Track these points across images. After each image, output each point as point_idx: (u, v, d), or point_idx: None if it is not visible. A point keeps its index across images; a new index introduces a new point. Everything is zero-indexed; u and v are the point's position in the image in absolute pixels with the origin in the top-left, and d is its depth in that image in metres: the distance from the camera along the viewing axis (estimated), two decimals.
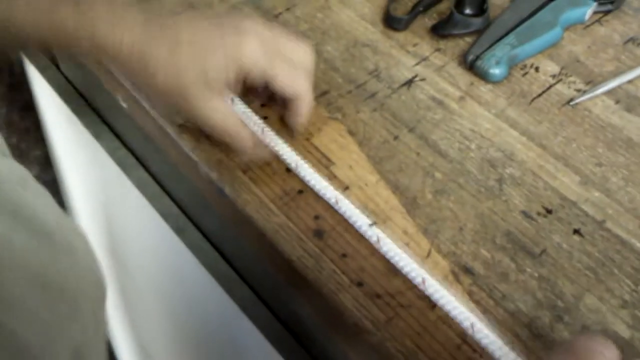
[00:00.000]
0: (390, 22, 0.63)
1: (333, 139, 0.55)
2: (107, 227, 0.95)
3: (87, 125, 0.77)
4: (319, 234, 0.49)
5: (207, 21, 0.49)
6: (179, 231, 0.68)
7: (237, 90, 0.51)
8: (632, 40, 0.63)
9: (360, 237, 0.49)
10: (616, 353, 0.33)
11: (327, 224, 0.50)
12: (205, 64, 0.47)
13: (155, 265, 0.82)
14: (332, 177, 0.52)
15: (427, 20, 0.65)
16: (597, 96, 0.58)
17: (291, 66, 0.50)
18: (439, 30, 0.62)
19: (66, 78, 0.81)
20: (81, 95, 0.79)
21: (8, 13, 0.45)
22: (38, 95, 0.90)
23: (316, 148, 0.54)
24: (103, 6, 0.46)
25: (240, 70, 0.48)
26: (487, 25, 0.62)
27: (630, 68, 0.60)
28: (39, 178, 1.14)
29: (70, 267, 0.34)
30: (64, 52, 0.48)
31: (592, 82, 0.59)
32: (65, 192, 1.07)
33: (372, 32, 0.64)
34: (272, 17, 0.65)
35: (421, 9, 0.64)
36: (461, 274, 0.47)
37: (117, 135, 0.75)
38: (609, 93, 0.58)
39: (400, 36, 0.63)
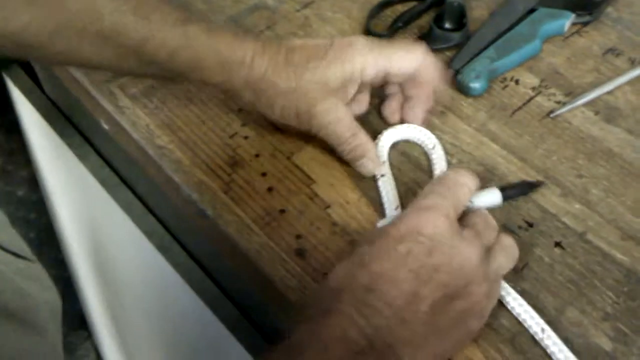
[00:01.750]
0: None
1: (314, 157, 0.55)
2: (94, 246, 0.95)
3: (72, 146, 0.77)
4: (301, 253, 0.49)
5: (318, 42, 0.51)
6: (163, 250, 0.68)
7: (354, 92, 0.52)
8: (611, 50, 0.63)
9: (343, 257, 0.49)
10: (477, 184, 0.46)
11: (309, 243, 0.50)
12: (325, 75, 0.50)
13: (142, 284, 0.81)
14: (313, 196, 0.52)
15: (407, 36, 0.65)
16: (576, 107, 0.58)
17: (400, 45, 0.51)
18: None
19: (50, 100, 0.81)
20: (65, 117, 0.79)
21: (147, 31, 0.47)
22: (22, 117, 0.90)
23: (297, 167, 0.54)
24: (229, 29, 0.51)
25: (355, 66, 0.50)
26: (466, 39, 0.62)
27: (610, 79, 0.60)
28: (26, 198, 1.14)
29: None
30: (188, 68, 0.50)
31: (571, 93, 0.59)
32: (52, 212, 1.07)
33: None
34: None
35: (400, 24, 0.64)
36: None
37: (102, 156, 0.75)
38: (588, 104, 0.59)
39: None
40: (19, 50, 0.49)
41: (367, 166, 0.52)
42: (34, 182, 1.10)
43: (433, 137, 0.55)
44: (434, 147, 0.54)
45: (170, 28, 0.48)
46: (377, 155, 0.53)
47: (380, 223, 0.47)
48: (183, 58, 0.49)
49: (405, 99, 0.55)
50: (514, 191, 0.50)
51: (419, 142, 0.55)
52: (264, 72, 0.50)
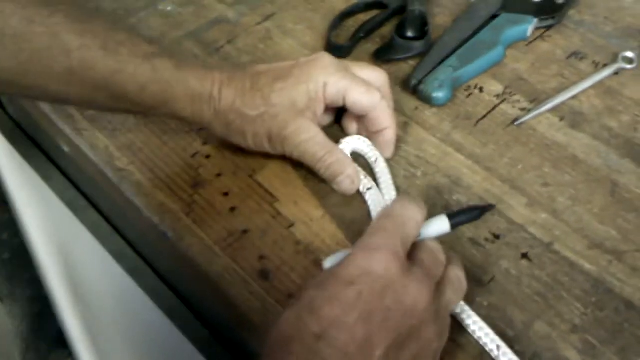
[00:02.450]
0: (332, 50, 0.63)
1: (277, 174, 0.54)
2: (67, 266, 0.94)
3: (36, 167, 0.76)
4: (264, 275, 0.48)
5: (283, 64, 0.52)
6: (131, 272, 0.67)
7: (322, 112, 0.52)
8: (574, 54, 0.63)
9: (307, 276, 0.48)
10: (424, 213, 0.43)
11: (273, 264, 0.49)
12: (291, 96, 0.50)
13: (113, 304, 0.80)
14: (276, 215, 0.52)
15: (370, 46, 0.64)
16: (541, 114, 0.58)
17: (363, 80, 0.51)
18: (381, 56, 0.62)
19: (14, 121, 0.79)
20: (29, 137, 0.78)
21: (116, 65, 0.47)
22: None
23: (260, 185, 0.53)
24: (197, 62, 0.51)
25: (318, 85, 0.50)
26: (429, 47, 0.61)
27: (574, 83, 0.60)
28: None
29: None
30: (157, 102, 0.50)
31: (536, 99, 0.59)
32: (23, 232, 1.05)
33: None
34: (213, 50, 0.64)
35: (362, 35, 0.63)
36: None
37: (67, 177, 0.74)
38: (553, 110, 0.58)
39: None
40: None
41: (345, 183, 0.51)
42: (4, 201, 1.08)
43: (374, 149, 0.54)
44: (376, 161, 0.53)
45: (139, 62, 0.48)
46: (356, 171, 0.52)
47: (328, 262, 0.45)
48: (153, 92, 0.49)
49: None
50: (463, 217, 0.47)
51: (363, 154, 0.55)
52: (232, 102, 0.50)
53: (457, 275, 0.43)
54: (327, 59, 0.51)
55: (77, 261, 0.86)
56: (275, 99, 0.49)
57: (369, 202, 0.51)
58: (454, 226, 0.46)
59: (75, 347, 0.78)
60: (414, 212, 0.43)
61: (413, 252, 0.42)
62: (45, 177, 0.74)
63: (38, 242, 0.95)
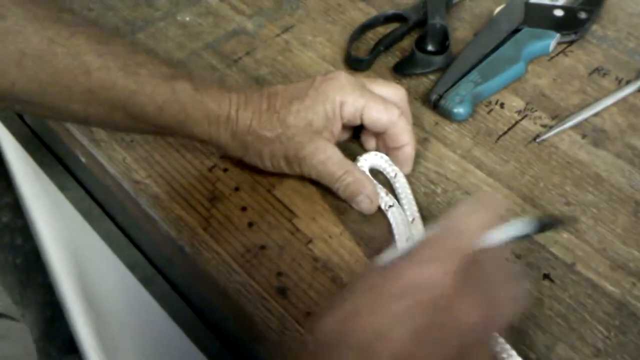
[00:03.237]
0: (352, 63, 0.62)
1: (296, 189, 0.53)
2: (80, 274, 0.94)
3: (52, 176, 0.76)
4: (282, 291, 0.48)
5: (299, 84, 0.51)
6: (146, 282, 0.66)
7: (340, 131, 0.52)
8: (597, 70, 0.62)
9: (325, 294, 0.47)
10: (494, 216, 0.39)
11: (291, 281, 0.48)
12: (308, 117, 0.49)
13: (126, 314, 0.80)
14: (294, 231, 0.51)
15: (390, 59, 0.64)
16: (563, 131, 0.57)
17: (381, 98, 0.51)
18: (401, 70, 0.61)
19: (30, 128, 0.79)
20: (46, 146, 0.78)
21: (135, 86, 0.47)
22: (3, 144, 0.88)
23: (278, 200, 0.53)
24: (215, 83, 0.51)
25: (335, 104, 0.49)
26: (449, 62, 0.61)
27: (596, 100, 0.59)
28: (12, 224, 1.12)
29: None
30: (176, 123, 0.50)
31: (558, 116, 0.58)
32: (37, 238, 1.05)
33: None
34: (231, 61, 0.64)
35: (382, 48, 0.63)
36: None
37: (83, 186, 0.74)
38: (575, 127, 0.57)
39: (363, 76, 0.62)
40: (8, 105, 0.49)
41: (365, 203, 0.51)
42: (18, 207, 1.08)
43: (393, 165, 0.53)
44: (395, 176, 0.53)
45: (158, 83, 0.48)
46: (376, 191, 0.51)
47: (382, 259, 0.43)
48: (171, 113, 0.49)
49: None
50: (545, 223, 0.41)
51: (382, 170, 0.54)
52: (249, 124, 0.50)
53: (516, 295, 0.40)
54: (343, 77, 0.51)
55: (90, 270, 0.86)
56: (292, 120, 0.49)
57: (391, 220, 0.51)
58: (534, 232, 0.40)
59: (86, 354, 0.78)
60: (474, 219, 0.40)
61: (473, 262, 0.40)
62: (61, 186, 0.74)
63: (51, 249, 0.95)
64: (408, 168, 0.53)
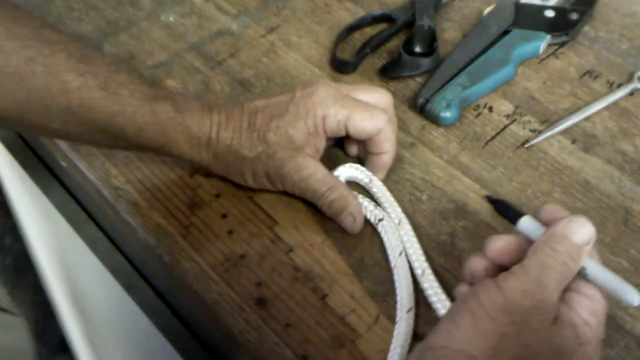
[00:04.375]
0: (338, 65, 0.61)
1: (277, 197, 0.52)
2: (67, 276, 0.93)
3: (36, 179, 0.74)
4: (261, 302, 0.47)
5: (280, 97, 0.50)
6: (129, 288, 0.65)
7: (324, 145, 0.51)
8: (588, 73, 0.61)
9: (305, 305, 0.46)
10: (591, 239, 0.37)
11: (271, 292, 0.47)
12: (288, 133, 0.48)
13: (111, 319, 0.79)
14: (275, 239, 0.50)
15: (377, 61, 0.62)
16: (552, 136, 0.56)
17: (365, 105, 0.49)
18: (388, 72, 0.60)
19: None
20: (31, 149, 0.77)
21: (115, 106, 0.46)
22: None
23: (259, 207, 0.52)
24: (196, 102, 0.50)
25: (317, 119, 0.48)
26: (437, 65, 0.59)
27: (587, 104, 0.58)
28: (1, 224, 1.11)
29: None
30: (156, 144, 0.49)
31: (547, 120, 0.57)
32: (25, 239, 1.04)
33: (320, 76, 0.61)
34: (215, 63, 0.62)
35: (368, 50, 0.61)
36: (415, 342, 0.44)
37: (67, 190, 0.73)
38: (565, 132, 0.56)
39: (349, 79, 0.61)
40: None
41: (348, 221, 0.49)
42: (6, 208, 1.07)
43: (365, 170, 0.52)
44: (370, 181, 0.52)
45: (139, 104, 0.47)
46: (360, 209, 0.50)
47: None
48: (151, 134, 0.48)
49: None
50: None
51: (357, 180, 0.53)
52: (230, 145, 0.49)
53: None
54: (323, 90, 0.49)
55: (77, 273, 0.85)
56: (272, 138, 0.48)
57: (382, 234, 0.49)
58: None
59: (77, 354, 0.77)
60: (578, 246, 0.37)
61: (573, 293, 0.37)
62: (45, 190, 0.73)
63: (39, 251, 0.94)
64: (382, 175, 0.53)
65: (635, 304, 0.37)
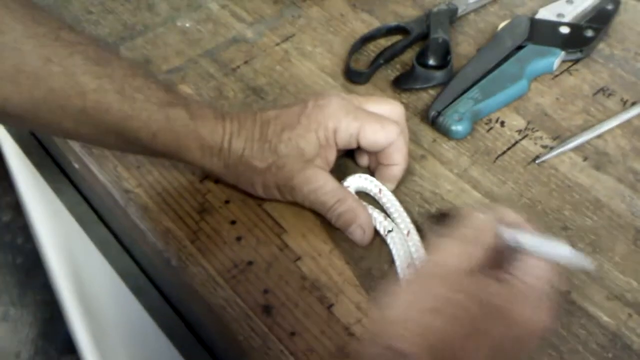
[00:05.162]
0: (351, 75, 0.61)
1: (287, 204, 0.52)
2: (76, 277, 0.93)
3: (49, 179, 0.75)
4: (267, 310, 0.47)
5: (292, 109, 0.50)
6: (136, 291, 0.66)
7: (334, 158, 0.51)
8: (602, 90, 0.60)
9: (311, 314, 0.46)
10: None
11: (277, 299, 0.47)
12: (299, 145, 0.48)
13: (119, 322, 0.79)
14: (283, 247, 0.50)
15: (390, 72, 0.63)
16: (564, 153, 0.55)
17: (377, 117, 0.50)
18: (401, 84, 0.60)
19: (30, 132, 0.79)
20: (44, 148, 0.77)
21: (130, 110, 0.47)
22: (2, 144, 0.88)
23: (268, 214, 0.52)
24: (210, 110, 0.50)
25: (328, 132, 0.49)
26: (450, 78, 0.59)
27: (600, 121, 0.57)
28: (13, 223, 1.12)
29: None
30: (169, 150, 0.50)
31: (559, 137, 0.57)
32: (36, 238, 1.05)
33: (333, 86, 0.61)
34: (229, 70, 0.63)
35: (382, 61, 0.61)
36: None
37: (78, 191, 0.73)
38: (577, 149, 0.56)
39: (362, 90, 0.61)
40: (2, 120, 0.49)
41: (357, 233, 0.49)
42: (19, 207, 1.08)
43: (375, 181, 0.52)
44: (380, 191, 0.52)
45: (153, 110, 0.47)
46: (369, 221, 0.50)
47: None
48: (164, 140, 0.48)
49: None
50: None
51: (367, 191, 0.53)
52: (241, 154, 0.49)
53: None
54: (335, 102, 0.49)
55: (85, 274, 0.85)
56: (283, 149, 0.48)
57: (391, 246, 0.49)
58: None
59: (84, 355, 0.77)
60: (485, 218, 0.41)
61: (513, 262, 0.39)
62: (57, 190, 0.74)
63: (50, 251, 0.95)
64: (392, 186, 0.53)
65: (568, 254, 0.39)
